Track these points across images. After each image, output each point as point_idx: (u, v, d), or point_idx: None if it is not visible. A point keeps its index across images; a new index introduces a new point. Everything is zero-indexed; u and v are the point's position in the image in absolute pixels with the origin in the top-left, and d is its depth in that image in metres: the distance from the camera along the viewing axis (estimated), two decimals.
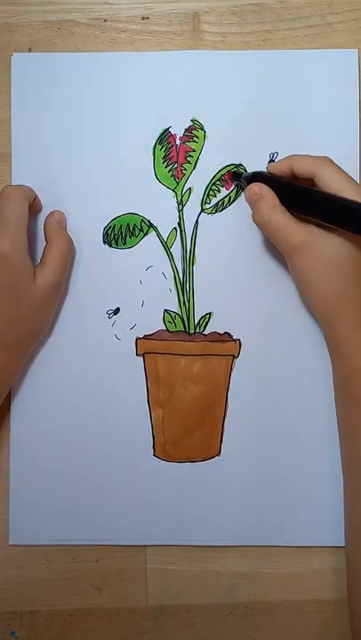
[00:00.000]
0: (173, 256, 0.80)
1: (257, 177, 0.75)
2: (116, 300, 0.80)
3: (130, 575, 0.80)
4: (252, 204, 0.74)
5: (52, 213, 0.79)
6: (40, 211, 0.80)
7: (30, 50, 0.81)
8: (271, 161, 0.79)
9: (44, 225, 0.78)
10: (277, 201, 0.72)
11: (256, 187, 0.74)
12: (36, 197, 0.79)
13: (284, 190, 0.73)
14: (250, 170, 0.79)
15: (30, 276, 0.73)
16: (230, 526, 0.79)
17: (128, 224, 0.79)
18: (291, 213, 0.72)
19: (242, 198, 0.79)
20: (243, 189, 0.78)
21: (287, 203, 0.73)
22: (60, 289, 0.77)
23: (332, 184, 0.70)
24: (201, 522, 0.79)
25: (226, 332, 0.79)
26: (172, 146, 0.79)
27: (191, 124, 0.79)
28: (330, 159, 0.72)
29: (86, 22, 0.82)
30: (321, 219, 0.71)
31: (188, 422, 0.79)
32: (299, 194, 0.72)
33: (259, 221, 0.73)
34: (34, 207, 0.78)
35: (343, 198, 0.68)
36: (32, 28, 0.82)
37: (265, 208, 0.72)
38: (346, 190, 0.69)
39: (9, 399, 0.79)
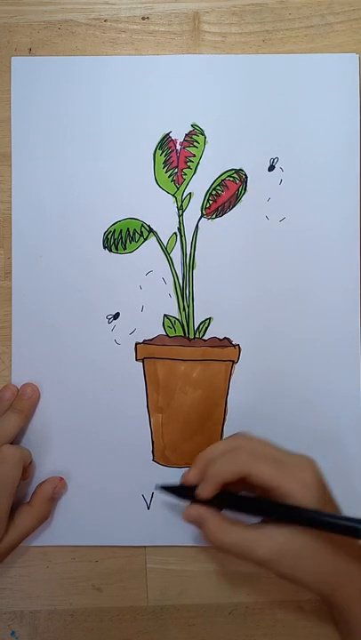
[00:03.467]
0: (173, 261, 0.80)
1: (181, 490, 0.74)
2: (115, 304, 0.80)
3: (130, 575, 0.80)
4: (198, 527, 0.71)
5: (54, 483, 0.78)
6: (28, 477, 0.79)
7: (30, 50, 0.81)
8: (271, 167, 0.79)
9: (39, 488, 0.78)
10: (222, 517, 0.69)
11: (193, 510, 0.70)
12: (31, 462, 0.79)
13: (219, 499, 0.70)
14: (250, 174, 0.79)
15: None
16: None
17: (128, 229, 0.79)
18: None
19: (242, 203, 0.80)
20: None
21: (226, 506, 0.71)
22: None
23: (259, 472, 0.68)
24: None
25: (225, 338, 0.79)
26: (173, 151, 0.79)
27: (192, 129, 0.79)
28: (241, 440, 0.72)
29: (86, 22, 0.81)
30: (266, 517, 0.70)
31: (188, 427, 0.80)
32: (236, 501, 0.71)
33: (217, 546, 0.69)
34: (25, 472, 0.77)
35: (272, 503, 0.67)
36: (32, 28, 0.81)
37: (215, 529, 0.69)
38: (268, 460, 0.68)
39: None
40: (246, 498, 0.70)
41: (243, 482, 0.68)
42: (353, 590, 0.68)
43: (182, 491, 0.73)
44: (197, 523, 0.70)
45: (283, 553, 0.66)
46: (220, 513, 0.70)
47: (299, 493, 0.65)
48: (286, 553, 0.66)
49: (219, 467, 0.69)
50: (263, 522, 0.70)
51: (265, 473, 0.66)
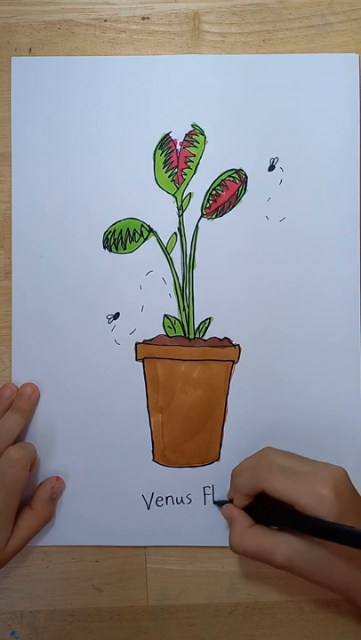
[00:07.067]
0: (173, 261, 0.79)
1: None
2: (115, 304, 0.79)
3: (130, 575, 0.80)
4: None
5: (51, 483, 0.78)
6: (33, 469, 0.79)
7: (30, 50, 0.81)
8: (271, 167, 0.79)
9: (38, 490, 0.78)
10: (247, 523, 0.72)
11: (227, 510, 0.76)
12: (36, 458, 0.79)
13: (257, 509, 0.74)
14: (250, 174, 0.79)
15: (4, 541, 0.74)
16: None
17: (128, 229, 0.79)
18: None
19: (242, 203, 0.79)
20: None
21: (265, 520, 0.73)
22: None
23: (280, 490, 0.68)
24: (201, 527, 0.79)
25: (225, 338, 0.79)
26: (173, 151, 0.79)
27: (192, 128, 0.79)
28: (267, 454, 0.72)
29: (86, 22, 0.81)
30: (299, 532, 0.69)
31: (188, 427, 0.79)
32: (272, 512, 0.71)
33: (234, 550, 0.72)
34: (31, 467, 0.77)
35: (318, 520, 0.65)
36: (32, 28, 0.81)
37: (237, 535, 0.72)
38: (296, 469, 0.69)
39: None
40: (271, 509, 0.71)
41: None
42: None
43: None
44: (228, 522, 0.75)
45: (299, 559, 0.67)
46: (249, 518, 0.73)
47: (314, 507, 0.65)
48: (303, 559, 0.67)
49: (240, 481, 0.73)
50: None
51: (279, 489, 0.68)
